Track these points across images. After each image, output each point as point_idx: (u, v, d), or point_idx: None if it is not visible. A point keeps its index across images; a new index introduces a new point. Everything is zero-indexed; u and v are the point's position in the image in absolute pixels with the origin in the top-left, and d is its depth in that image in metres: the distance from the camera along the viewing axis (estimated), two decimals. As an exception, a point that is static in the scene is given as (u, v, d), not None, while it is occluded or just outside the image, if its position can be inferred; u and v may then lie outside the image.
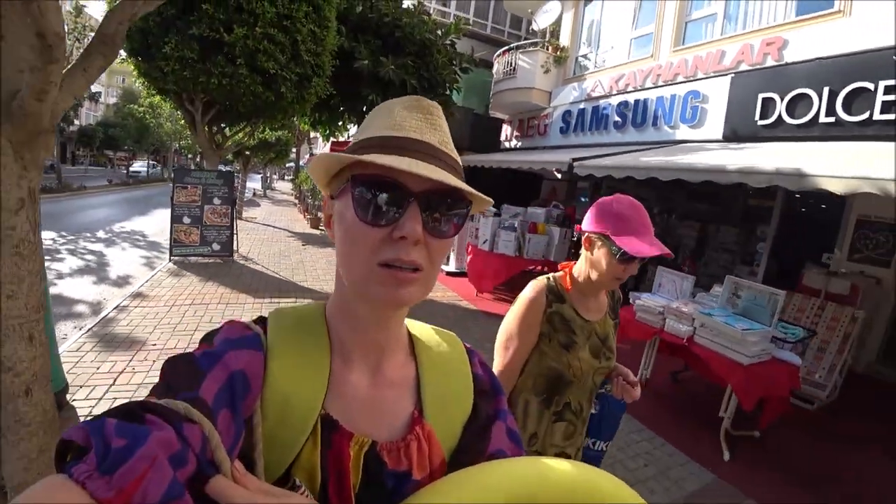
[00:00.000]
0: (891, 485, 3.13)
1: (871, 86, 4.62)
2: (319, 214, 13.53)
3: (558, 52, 9.10)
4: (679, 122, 6.53)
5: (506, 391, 1.29)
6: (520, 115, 10.24)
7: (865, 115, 4.66)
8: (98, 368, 3.49)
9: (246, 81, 5.73)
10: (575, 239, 7.52)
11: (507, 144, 10.94)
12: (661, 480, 2.87)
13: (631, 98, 7.33)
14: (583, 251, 1.34)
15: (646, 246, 1.20)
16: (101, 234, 9.71)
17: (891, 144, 4.14)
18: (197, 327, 4.50)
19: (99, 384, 3.26)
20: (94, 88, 16.74)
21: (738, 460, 3.18)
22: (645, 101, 7.07)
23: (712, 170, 4.36)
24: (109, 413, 0.38)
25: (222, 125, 8.57)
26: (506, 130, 11.04)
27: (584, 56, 9.01)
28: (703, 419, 3.58)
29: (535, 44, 9.41)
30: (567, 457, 1.33)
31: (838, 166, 3.61)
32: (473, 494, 0.47)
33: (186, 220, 7.14)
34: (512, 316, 1.35)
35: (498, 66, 10.12)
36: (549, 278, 1.37)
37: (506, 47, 9.96)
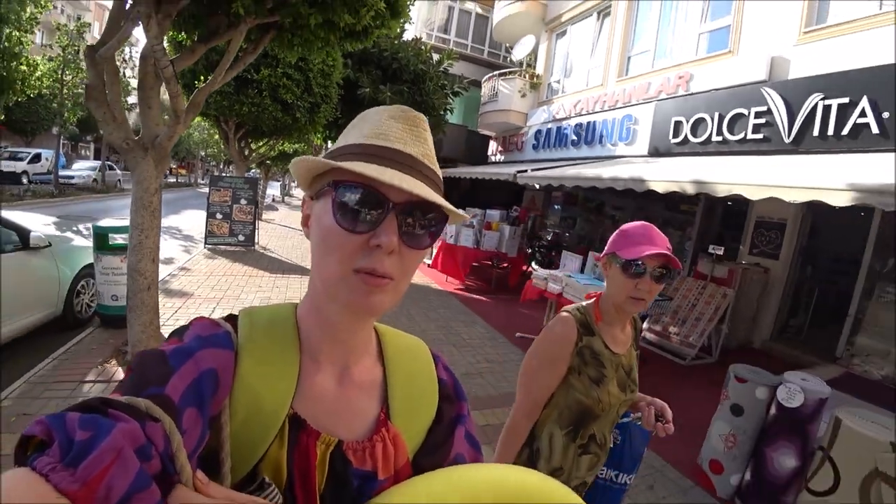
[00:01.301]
0: (691, 405, 4.71)
1: (745, 111, 6.23)
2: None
3: (534, 79, 10.89)
4: (618, 141, 8.20)
5: (529, 423, 1.34)
6: (503, 132, 12.05)
7: (742, 135, 6.27)
8: (163, 305, 5.36)
9: (269, 109, 7.70)
10: (528, 234, 9.25)
11: (492, 158, 12.76)
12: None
13: (584, 120, 9.05)
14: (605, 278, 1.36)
15: (644, 248, 1.22)
16: (144, 229, 11.83)
17: (759, 157, 5.74)
18: (228, 288, 6.38)
19: (164, 313, 5.11)
20: (131, 100, 19.35)
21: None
22: (594, 122, 8.78)
23: (608, 178, 6.01)
24: (70, 409, 0.39)
25: (249, 140, 10.64)
26: (492, 146, 12.87)
27: (557, 82, 10.78)
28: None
29: (514, 71, 11.24)
30: (585, 485, 1.38)
31: (719, 176, 5.18)
32: (436, 497, 0.49)
33: (219, 216, 9.12)
34: (539, 348, 1.35)
35: (484, 90, 11.98)
36: (578, 310, 1.36)
37: (490, 74, 11.82)
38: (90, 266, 4.83)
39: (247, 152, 10.80)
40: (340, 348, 0.60)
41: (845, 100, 5.21)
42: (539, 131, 10.49)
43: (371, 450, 0.57)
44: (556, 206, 11.28)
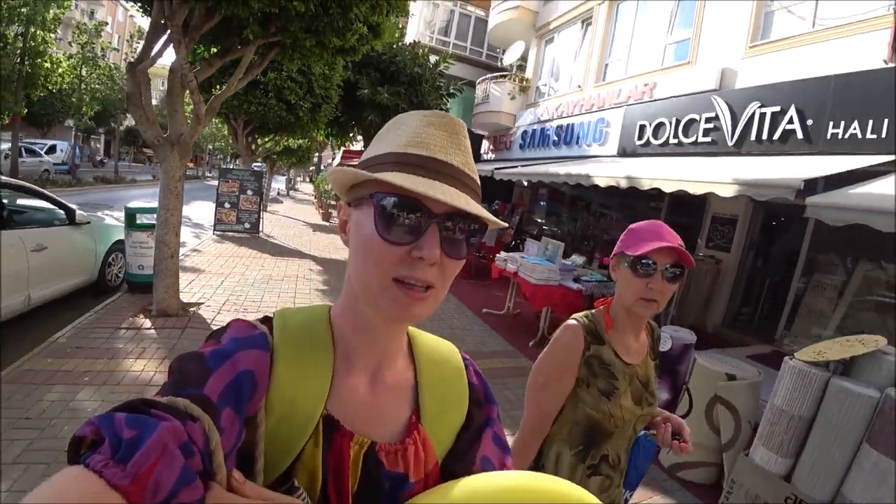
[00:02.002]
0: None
1: (698, 117, 7.07)
2: (331, 210, 16.50)
3: (523, 83, 11.76)
4: (592, 142, 9.06)
5: (537, 440, 1.29)
6: (494, 132, 12.95)
7: (694, 139, 7.11)
8: (180, 276, 6.30)
9: (274, 108, 8.65)
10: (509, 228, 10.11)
11: (484, 156, 13.66)
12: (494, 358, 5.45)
13: (564, 122, 9.92)
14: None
15: (651, 244, 1.16)
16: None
17: (709, 158, 6.58)
18: (234, 266, 7.34)
19: (181, 283, 6.05)
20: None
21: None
22: (572, 125, 9.64)
23: (563, 174, 6.88)
24: (115, 409, 0.41)
25: (256, 136, 11.62)
26: (484, 145, 13.76)
27: (545, 85, 11.64)
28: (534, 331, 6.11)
29: (505, 75, 12.11)
30: None
31: (672, 174, 6.06)
32: (470, 500, 0.51)
33: (227, 205, 10.10)
34: (545, 359, 1.29)
35: (478, 92, 12.86)
36: (586, 317, 1.31)
37: (483, 77, 12.71)
38: (120, 242, 5.79)
39: (254, 147, 11.81)
40: (374, 351, 0.61)
41: (777, 108, 6.04)
42: (525, 132, 11.35)
43: (403, 452, 0.58)
44: (541, 203, 12.16)
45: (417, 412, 0.63)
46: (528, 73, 12.05)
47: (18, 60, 12.71)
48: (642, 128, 7.92)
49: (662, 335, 3.56)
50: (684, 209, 9.08)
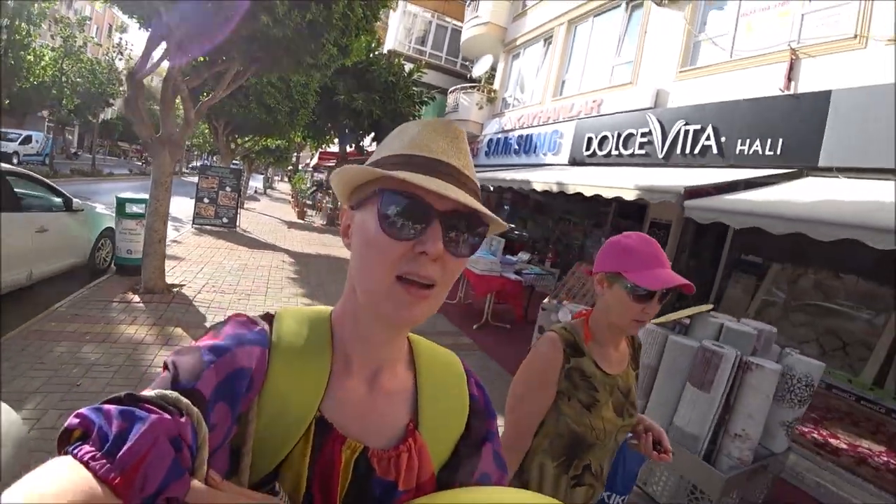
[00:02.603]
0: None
1: (635, 132, 8.04)
2: (307, 209, 17.20)
3: (490, 94, 12.70)
4: (547, 151, 10.01)
5: (520, 454, 1.28)
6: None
7: (631, 151, 8.09)
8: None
9: (255, 111, 9.38)
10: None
11: (455, 160, 14.54)
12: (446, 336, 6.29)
13: (525, 132, 10.87)
14: (597, 296, 1.30)
15: (659, 278, 1.17)
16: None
17: (643, 169, 7.53)
18: (213, 256, 8.04)
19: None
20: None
21: (489, 331, 6.56)
22: (531, 135, 10.59)
23: (508, 180, 7.78)
24: (105, 402, 0.42)
25: (235, 136, 12.30)
26: (455, 150, 14.65)
27: (511, 97, 12.60)
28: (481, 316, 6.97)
29: (474, 86, 13.04)
30: None
31: (577, 179, 7.01)
32: None
33: (206, 200, 10.76)
34: (524, 373, 1.30)
35: (449, 100, 13.77)
36: (565, 329, 1.32)
37: (454, 87, 13.62)
38: (108, 229, 6.47)
39: (233, 146, 12.48)
40: (373, 355, 0.62)
41: (698, 126, 7.04)
42: (491, 140, 12.28)
43: (396, 459, 0.58)
44: (506, 207, 13.10)
45: (415, 419, 0.63)
46: (497, 85, 13.00)
47: (2, 52, 13.14)
48: (590, 139, 8.89)
49: (562, 309, 4.45)
50: (628, 215, 10.10)
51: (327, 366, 0.59)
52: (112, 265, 6.54)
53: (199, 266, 7.23)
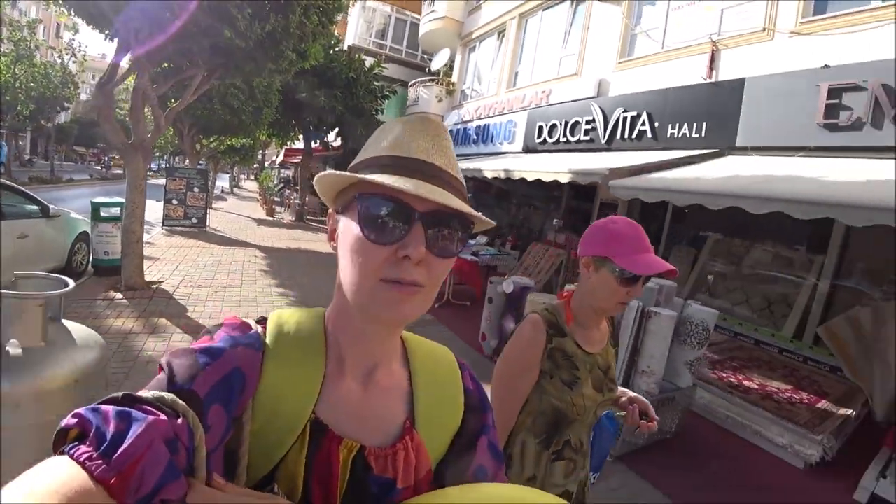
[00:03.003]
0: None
1: (580, 119, 8.71)
2: (275, 206, 17.46)
3: (449, 87, 13.24)
4: (503, 140, 10.64)
5: (504, 432, 1.33)
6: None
7: (577, 138, 8.76)
8: (139, 266, 7.37)
9: (219, 112, 9.69)
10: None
11: (419, 152, 15.10)
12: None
13: (482, 123, 11.46)
14: (581, 278, 1.36)
15: (648, 263, 1.22)
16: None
17: (586, 154, 8.19)
18: (186, 255, 8.41)
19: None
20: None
21: (450, 309, 7.17)
22: (488, 125, 11.19)
23: (472, 169, 8.38)
24: (101, 402, 0.42)
25: (201, 137, 12.53)
26: (419, 141, 15.20)
27: (469, 89, 13.16)
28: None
29: (433, 79, 13.55)
30: (569, 495, 1.37)
31: (558, 167, 7.63)
32: None
33: (175, 201, 11.03)
34: (510, 354, 1.35)
35: (410, 93, 14.24)
36: (547, 310, 1.37)
37: (414, 80, 14.10)
38: (83, 233, 6.80)
39: (198, 147, 12.70)
40: (367, 354, 0.62)
41: (635, 113, 7.73)
42: (451, 131, 12.82)
43: (393, 457, 0.59)
44: (469, 195, 13.72)
45: (412, 416, 0.64)
46: (455, 78, 13.54)
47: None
48: (540, 128, 9.54)
49: (506, 281, 5.08)
50: (580, 196, 10.84)
51: (321, 367, 0.60)
52: (89, 267, 6.87)
53: (174, 264, 7.61)
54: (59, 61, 19.53)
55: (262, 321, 0.63)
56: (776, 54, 6.14)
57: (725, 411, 4.73)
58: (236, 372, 0.54)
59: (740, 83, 6.32)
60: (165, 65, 6.15)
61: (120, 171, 37.28)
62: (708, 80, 6.82)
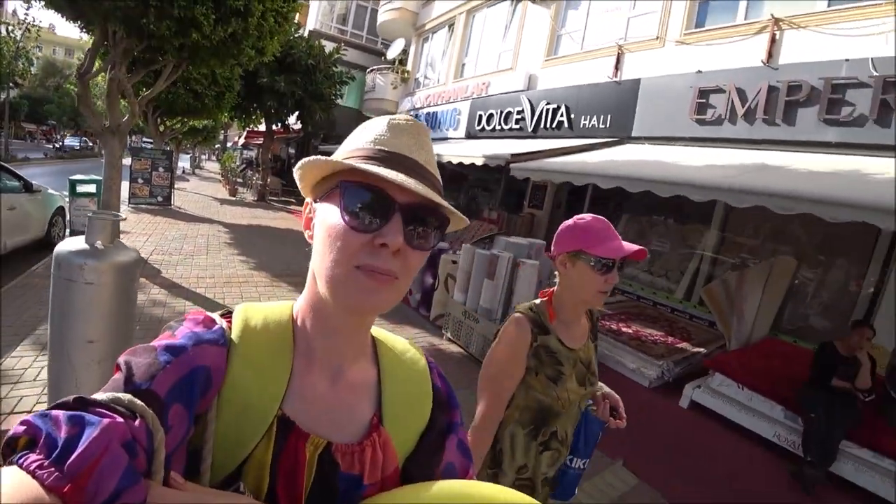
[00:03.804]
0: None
1: (512, 110, 9.93)
2: (238, 187, 18.21)
3: (403, 75, 14.27)
4: (449, 127, 11.81)
5: (494, 425, 1.42)
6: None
7: (510, 126, 9.99)
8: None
9: (182, 96, 10.49)
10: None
11: (376, 136, 16.17)
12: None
13: (432, 110, 12.59)
14: (559, 277, 1.44)
15: (618, 248, 1.32)
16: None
17: (515, 140, 9.41)
18: (154, 230, 9.31)
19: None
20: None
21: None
22: (437, 112, 12.33)
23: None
24: (52, 407, 0.41)
25: (164, 119, 13.23)
26: (376, 126, 16.26)
27: (425, 77, 14.23)
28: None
29: (389, 67, 14.56)
30: (548, 480, 1.48)
31: (492, 152, 8.81)
32: None
33: (140, 180, 11.79)
34: (497, 352, 1.43)
35: (368, 80, 15.21)
36: (531, 309, 1.45)
37: (371, 67, 15.07)
38: (60, 208, 7.65)
39: (162, 129, 13.40)
40: (336, 349, 0.63)
41: (556, 105, 8.99)
42: (405, 117, 13.94)
43: (360, 454, 0.60)
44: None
45: (379, 413, 0.65)
46: (410, 66, 14.58)
47: None
48: (480, 116, 10.74)
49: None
50: (516, 180, 12.16)
51: (289, 362, 0.60)
52: (66, 237, 7.76)
53: (144, 237, 8.53)
54: (10, 35, 19.40)
55: (227, 315, 0.64)
56: (665, 59, 7.47)
57: (607, 353, 6.10)
58: (199, 370, 0.53)
59: (637, 83, 7.65)
60: (138, 55, 7.01)
61: (74, 150, 37.01)
62: (613, 80, 8.12)
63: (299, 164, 0.59)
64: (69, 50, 52.36)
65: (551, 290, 1.50)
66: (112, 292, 2.33)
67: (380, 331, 0.75)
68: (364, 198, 0.56)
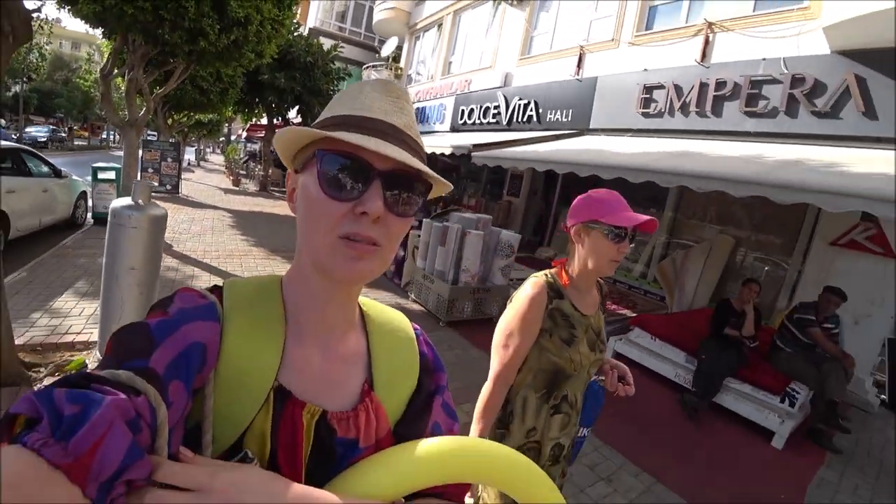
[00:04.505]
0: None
1: (490, 105, 10.94)
2: (241, 177, 19.36)
3: (397, 71, 15.33)
4: (435, 121, 12.86)
5: (505, 387, 1.51)
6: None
7: (487, 120, 10.98)
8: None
9: (190, 92, 11.64)
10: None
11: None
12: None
13: (421, 105, 13.65)
14: (572, 248, 1.54)
15: (631, 217, 1.40)
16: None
17: (492, 133, 10.44)
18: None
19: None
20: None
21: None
22: (425, 107, 13.39)
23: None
24: (54, 384, 0.41)
25: (172, 113, 14.42)
26: (371, 120, 17.37)
27: (417, 73, 15.28)
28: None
29: (384, 64, 15.63)
30: (562, 447, 1.56)
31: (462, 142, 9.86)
32: (405, 467, 0.59)
33: (150, 170, 12.96)
34: (513, 313, 1.50)
35: (364, 76, 16.28)
36: (546, 275, 1.55)
37: (367, 64, 16.15)
38: (83, 193, 8.80)
39: (170, 122, 14.58)
40: (325, 320, 0.65)
41: (527, 101, 10.01)
42: (398, 111, 15.01)
43: (355, 419, 0.63)
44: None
45: (370, 380, 0.68)
46: (403, 63, 15.65)
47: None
48: (463, 111, 11.79)
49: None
50: (496, 169, 13.21)
51: (281, 334, 0.62)
52: (90, 218, 8.92)
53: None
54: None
55: (217, 290, 0.64)
56: (619, 59, 8.46)
57: None
58: (195, 346, 0.54)
59: (595, 80, 8.66)
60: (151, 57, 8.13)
61: (82, 143, 38.32)
62: (576, 77, 9.13)
63: (277, 133, 0.61)
64: (76, 43, 53.79)
65: (563, 259, 1.60)
66: (147, 235, 3.45)
67: (367, 300, 0.77)
68: (341, 165, 0.56)
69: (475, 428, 1.50)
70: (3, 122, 24.83)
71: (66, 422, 0.38)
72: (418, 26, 15.05)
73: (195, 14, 6.29)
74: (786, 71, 6.04)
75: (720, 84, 6.72)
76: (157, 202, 3.77)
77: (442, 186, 0.66)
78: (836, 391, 4.52)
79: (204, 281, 6.20)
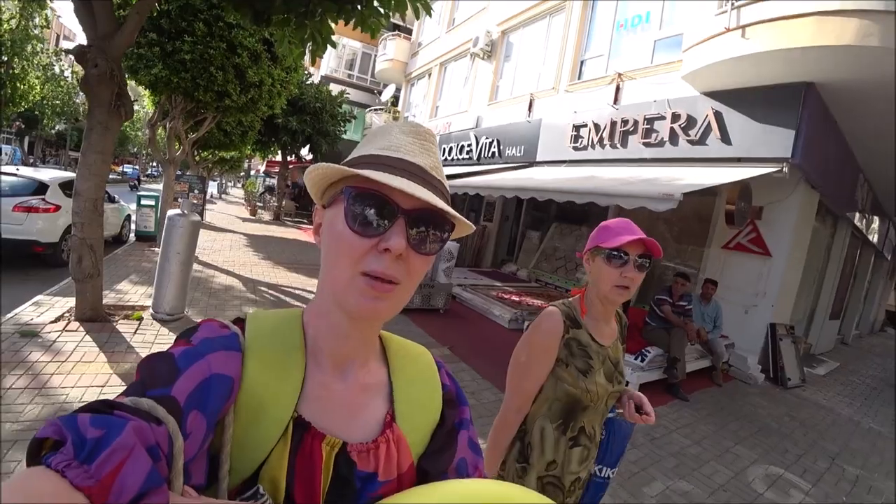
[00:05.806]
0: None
1: (465, 143, 13.14)
2: (258, 209, 21.95)
3: (395, 115, 17.87)
4: (424, 157, 15.13)
5: (520, 416, 1.52)
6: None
7: (462, 157, 13.21)
8: (163, 238, 11.83)
9: (215, 134, 14.21)
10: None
11: (373, 165, 19.83)
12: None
13: (413, 144, 16.00)
14: (587, 276, 1.57)
15: (623, 238, 1.41)
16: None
17: (467, 167, 12.65)
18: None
19: (165, 240, 11.56)
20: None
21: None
22: (416, 146, 15.73)
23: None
24: (78, 410, 0.43)
25: (200, 151, 17.10)
26: (373, 157, 19.93)
27: (413, 115, 17.77)
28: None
29: (383, 108, 18.20)
30: (581, 481, 1.55)
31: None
32: None
33: (179, 200, 15.47)
34: (527, 342, 1.52)
35: (367, 119, 18.89)
36: (564, 304, 1.55)
37: (369, 108, 18.77)
38: (128, 216, 11.21)
39: (197, 159, 17.26)
40: (346, 352, 0.67)
41: (493, 140, 12.21)
42: (394, 148, 17.43)
43: (375, 451, 0.64)
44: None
45: (392, 411, 0.69)
46: (400, 107, 18.21)
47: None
48: (443, 149, 14.08)
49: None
50: (475, 198, 15.39)
51: (301, 365, 0.64)
52: (132, 236, 11.31)
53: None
54: (75, 73, 23.79)
55: (239, 321, 0.67)
56: (557, 104, 10.59)
57: (480, 303, 9.00)
58: (217, 377, 0.56)
59: (540, 121, 10.80)
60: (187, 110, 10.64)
61: (116, 177, 42.02)
62: (527, 119, 11.31)
63: (308, 169, 0.64)
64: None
65: (583, 288, 1.61)
66: (188, 232, 5.65)
67: (388, 333, 0.79)
68: (367, 203, 0.58)
69: (490, 454, 1.55)
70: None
71: (89, 445, 0.40)
72: (412, 75, 17.64)
73: (222, 81, 8.73)
74: (669, 109, 7.88)
75: (625, 121, 8.63)
76: (196, 214, 6.00)
77: (464, 227, 0.68)
78: (676, 350, 6.32)
79: (221, 280, 8.36)
